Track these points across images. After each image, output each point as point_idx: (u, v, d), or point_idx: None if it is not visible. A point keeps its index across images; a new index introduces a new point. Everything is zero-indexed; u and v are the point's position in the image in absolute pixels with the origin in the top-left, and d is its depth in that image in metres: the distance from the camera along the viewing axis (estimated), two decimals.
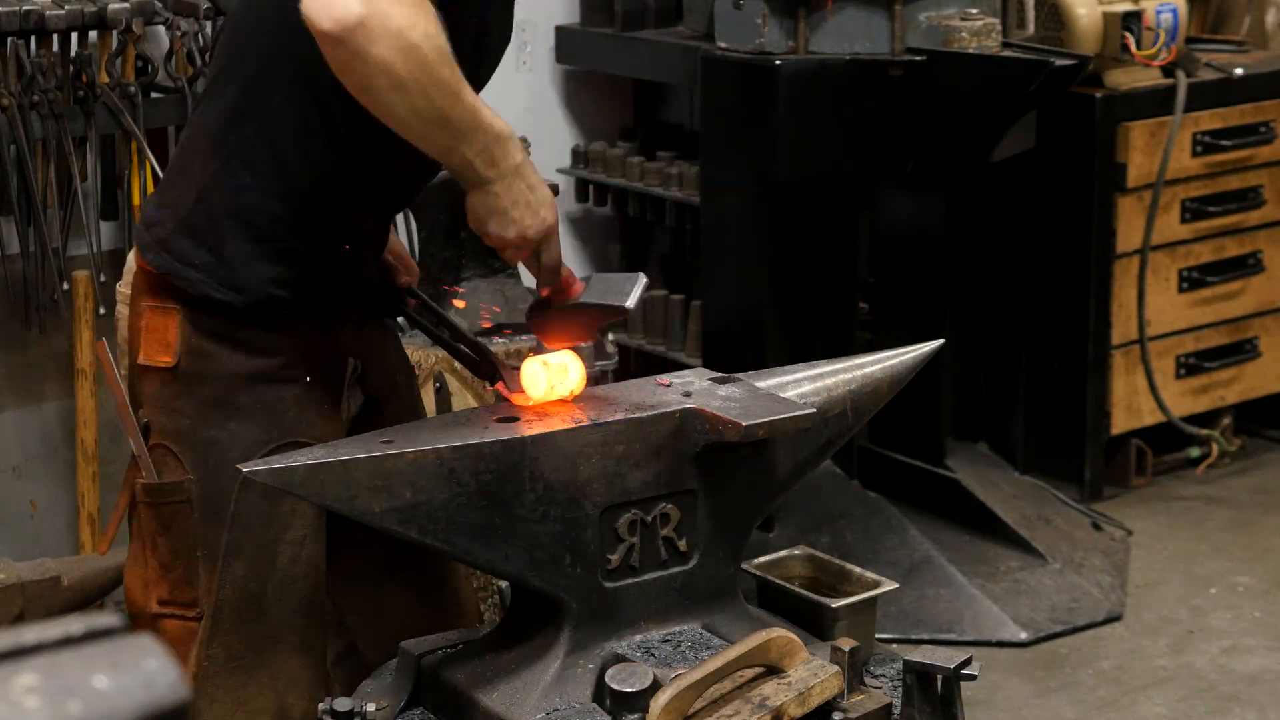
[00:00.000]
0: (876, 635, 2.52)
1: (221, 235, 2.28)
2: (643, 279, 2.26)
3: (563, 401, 2.30)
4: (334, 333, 2.38)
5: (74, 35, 3.73)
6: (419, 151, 2.22)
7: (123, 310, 2.45)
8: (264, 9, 2.27)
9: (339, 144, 2.25)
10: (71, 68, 3.71)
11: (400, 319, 2.67)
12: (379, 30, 1.98)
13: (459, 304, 3.72)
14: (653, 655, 2.25)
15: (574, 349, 2.34)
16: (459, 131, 2.09)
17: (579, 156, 4.77)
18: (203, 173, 2.30)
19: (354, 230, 2.35)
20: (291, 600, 2.36)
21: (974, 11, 3.97)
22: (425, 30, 2.00)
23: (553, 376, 2.31)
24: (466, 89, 2.08)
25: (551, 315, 2.32)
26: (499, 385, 2.37)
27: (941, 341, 2.60)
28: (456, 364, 3.55)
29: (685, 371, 2.46)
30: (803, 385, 2.41)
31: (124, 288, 2.44)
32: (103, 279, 3.77)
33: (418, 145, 2.13)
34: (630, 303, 2.24)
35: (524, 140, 4.20)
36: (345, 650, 2.55)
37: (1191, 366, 4.77)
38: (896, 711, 2.27)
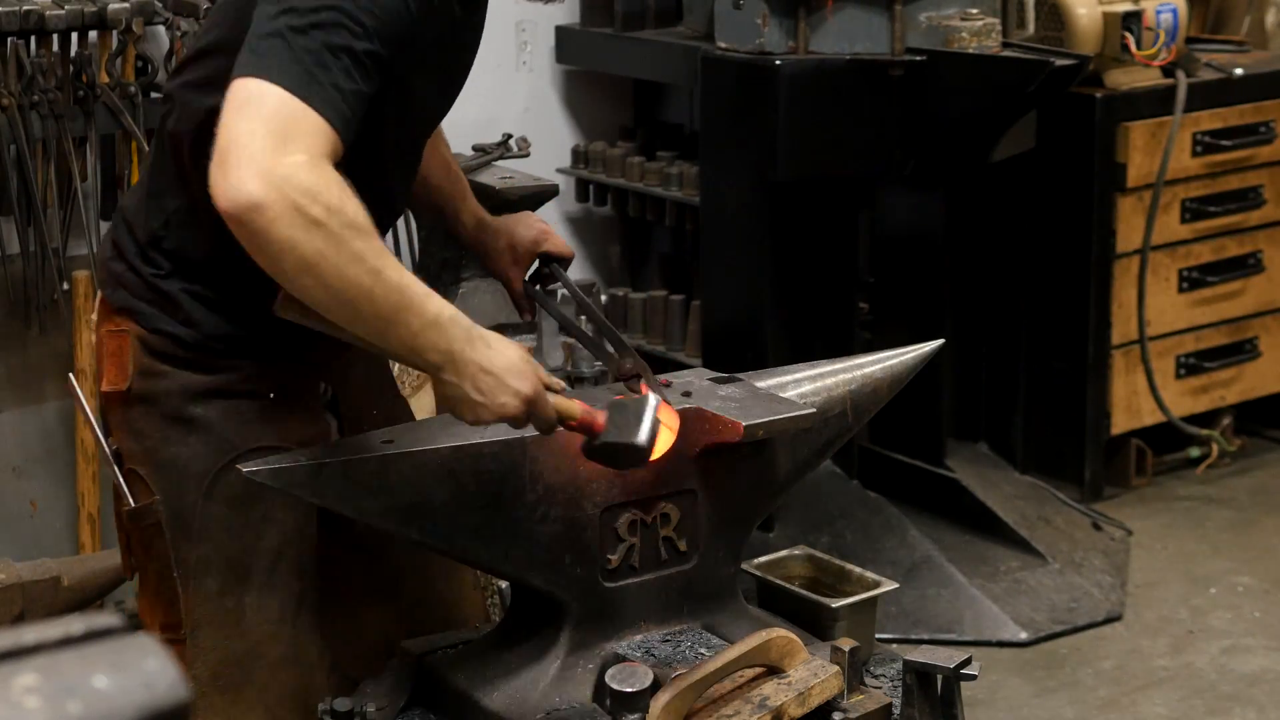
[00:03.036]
0: (876, 635, 2.52)
1: (168, 278, 2.24)
2: (653, 401, 2.10)
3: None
4: (300, 355, 2.29)
5: (74, 35, 3.73)
6: (377, 197, 2.08)
7: (92, 337, 2.42)
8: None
9: None
10: (71, 68, 3.71)
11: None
12: (278, 207, 1.85)
13: None
14: (653, 655, 2.25)
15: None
16: (386, 313, 1.93)
17: (579, 156, 4.77)
18: (149, 228, 2.25)
19: None
20: (273, 611, 2.28)
21: (974, 11, 3.97)
22: (329, 203, 1.87)
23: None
24: (390, 265, 1.92)
25: (598, 447, 2.14)
26: (643, 387, 2.26)
27: (941, 341, 2.60)
28: None
29: (685, 371, 2.46)
30: (803, 385, 2.41)
31: (93, 315, 2.41)
32: None
33: (352, 333, 1.99)
34: (642, 437, 2.07)
35: (524, 140, 4.22)
36: (329, 663, 2.52)
37: (1191, 366, 4.78)
38: (896, 711, 2.27)
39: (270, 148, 1.87)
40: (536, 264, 2.54)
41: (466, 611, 2.58)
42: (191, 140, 2.17)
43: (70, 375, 2.50)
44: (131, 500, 2.28)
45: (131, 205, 2.32)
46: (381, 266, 1.91)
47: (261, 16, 2.00)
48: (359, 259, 1.88)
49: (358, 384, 2.44)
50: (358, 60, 1.98)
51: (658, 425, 2.10)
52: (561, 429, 2.11)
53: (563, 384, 2.14)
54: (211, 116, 1.99)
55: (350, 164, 2.00)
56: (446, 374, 1.98)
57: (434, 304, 1.96)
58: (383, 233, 2.09)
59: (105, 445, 2.32)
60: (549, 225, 2.55)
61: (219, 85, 2.00)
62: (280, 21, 1.97)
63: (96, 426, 2.35)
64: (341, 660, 2.48)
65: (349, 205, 1.89)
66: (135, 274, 2.26)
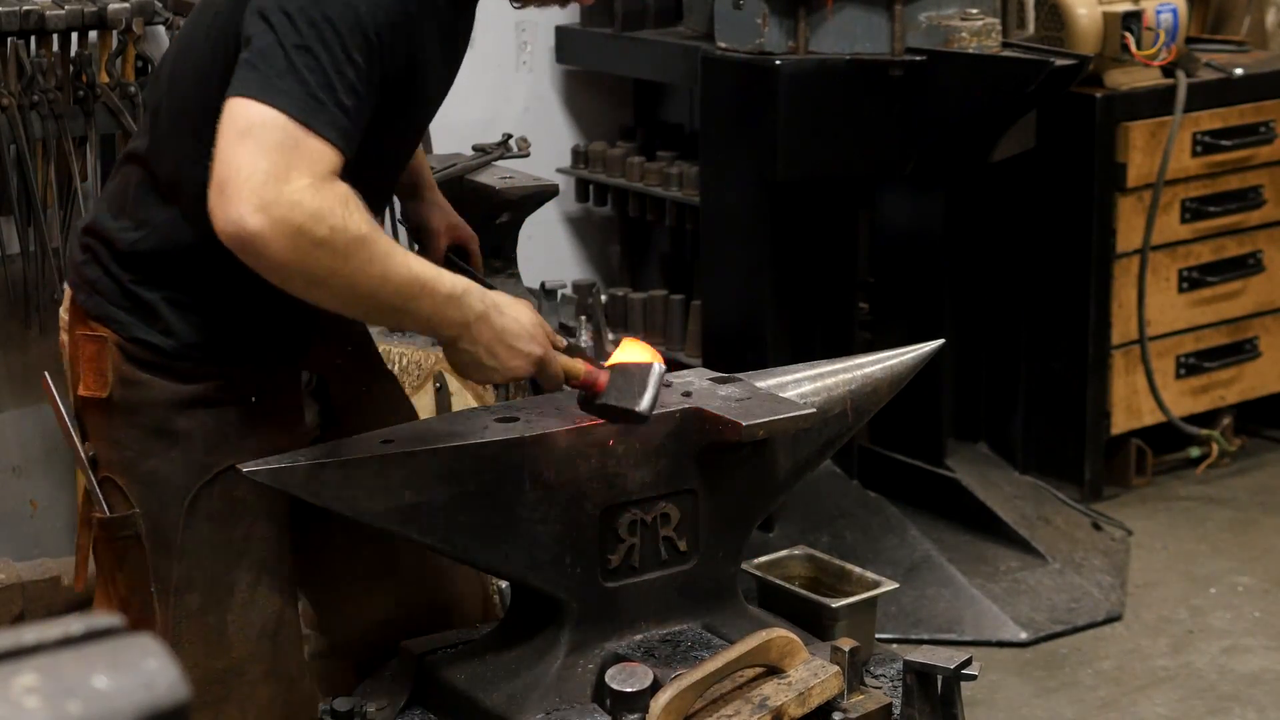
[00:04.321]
0: (876, 635, 2.52)
1: (148, 285, 2.21)
2: (658, 370, 2.16)
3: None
4: (279, 355, 2.30)
5: (74, 35, 3.73)
6: (371, 186, 2.12)
7: (64, 338, 2.35)
8: (198, 59, 2.17)
9: None
10: (71, 68, 3.71)
11: None
12: (280, 238, 1.87)
13: None
14: (653, 655, 2.25)
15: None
16: (397, 306, 2.00)
17: (579, 156, 4.77)
18: (122, 230, 2.22)
19: None
20: (255, 627, 2.27)
21: (974, 11, 3.97)
22: (333, 223, 1.89)
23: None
24: (396, 261, 1.96)
25: (597, 407, 2.22)
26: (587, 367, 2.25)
27: (941, 341, 2.60)
28: None
29: (685, 371, 2.46)
30: (803, 385, 2.41)
31: (65, 314, 2.34)
32: None
33: (371, 323, 2.08)
34: (643, 406, 2.15)
35: (524, 140, 4.21)
36: (328, 648, 2.53)
37: (1191, 366, 4.77)
38: (896, 711, 2.27)
39: (273, 177, 1.87)
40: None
41: (457, 603, 2.56)
42: (175, 162, 2.17)
43: (46, 375, 2.41)
44: (107, 509, 2.24)
45: (105, 209, 2.27)
46: (388, 268, 1.95)
47: (257, 27, 1.96)
48: (365, 268, 1.93)
49: (345, 368, 2.44)
50: (361, 73, 1.97)
51: (660, 393, 2.16)
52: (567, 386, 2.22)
53: (566, 342, 2.21)
54: (195, 149, 2.02)
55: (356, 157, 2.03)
56: (461, 343, 2.07)
57: (446, 283, 2.03)
58: (376, 215, 2.12)
59: (81, 450, 2.27)
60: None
61: (199, 129, 2.02)
62: (281, 33, 1.94)
63: (73, 430, 2.29)
64: (337, 646, 2.48)
65: (353, 220, 1.91)
66: (112, 280, 2.22)
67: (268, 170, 1.88)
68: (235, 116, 1.92)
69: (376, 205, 2.19)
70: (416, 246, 2.62)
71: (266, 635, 2.28)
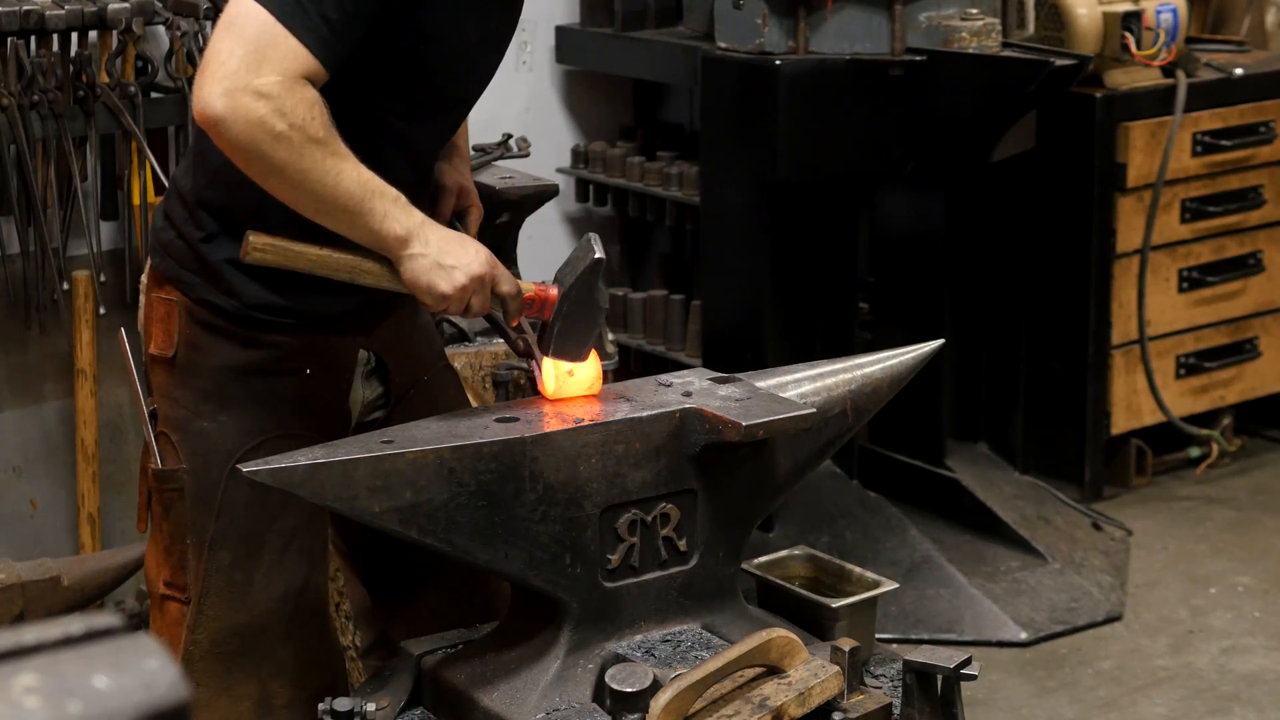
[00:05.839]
0: (876, 635, 2.52)
1: (215, 244, 2.31)
2: (594, 235, 2.30)
3: (586, 397, 2.31)
4: (341, 327, 2.38)
5: (74, 35, 3.73)
6: (410, 170, 2.26)
7: (142, 300, 2.53)
8: None
9: None
10: (71, 68, 3.70)
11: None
12: (241, 124, 2.04)
13: None
14: (653, 655, 2.25)
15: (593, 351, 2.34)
16: (351, 208, 2.13)
17: (579, 156, 4.77)
18: (195, 186, 2.34)
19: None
20: (279, 589, 2.39)
21: (974, 11, 3.97)
22: (293, 120, 2.05)
23: (562, 374, 2.31)
24: (349, 166, 2.11)
25: (555, 332, 2.31)
26: (532, 365, 2.36)
27: (941, 341, 2.60)
28: (457, 363, 3.56)
29: (685, 371, 2.46)
30: (803, 385, 2.41)
31: (144, 279, 2.53)
32: (103, 279, 3.77)
33: (323, 224, 2.16)
34: (599, 253, 2.27)
35: (524, 140, 4.21)
36: (376, 640, 2.59)
37: (1191, 366, 4.78)
38: (896, 711, 2.27)
39: (245, 67, 2.04)
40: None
41: (504, 597, 2.57)
42: None
43: (121, 330, 2.61)
44: (160, 461, 2.38)
45: (181, 168, 2.42)
46: (341, 169, 2.10)
47: None
48: (319, 165, 2.08)
49: (406, 351, 2.52)
50: None
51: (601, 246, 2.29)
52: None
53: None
54: None
55: (386, 110, 2.23)
56: (414, 246, 2.17)
57: (394, 190, 2.16)
58: (412, 192, 2.24)
59: (144, 403, 2.42)
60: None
61: None
62: None
63: (139, 383, 2.45)
64: (393, 635, 2.52)
65: (313, 123, 2.07)
66: (182, 239, 2.34)
67: (241, 59, 2.04)
68: (228, 10, 2.10)
69: (404, 175, 2.26)
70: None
71: (289, 599, 2.40)
